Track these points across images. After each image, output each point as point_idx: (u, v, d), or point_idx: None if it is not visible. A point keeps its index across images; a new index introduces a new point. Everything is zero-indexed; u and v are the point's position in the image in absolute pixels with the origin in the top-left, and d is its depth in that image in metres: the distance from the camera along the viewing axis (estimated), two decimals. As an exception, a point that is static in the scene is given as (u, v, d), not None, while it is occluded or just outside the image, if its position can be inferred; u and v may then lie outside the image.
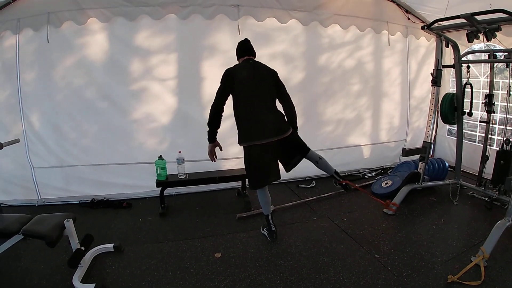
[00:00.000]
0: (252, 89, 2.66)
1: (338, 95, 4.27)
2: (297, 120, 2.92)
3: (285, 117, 2.86)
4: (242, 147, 2.73)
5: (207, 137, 2.79)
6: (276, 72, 2.84)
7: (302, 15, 3.76)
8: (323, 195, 3.78)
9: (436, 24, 3.10)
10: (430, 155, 4.90)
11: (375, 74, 4.38)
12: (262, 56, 3.67)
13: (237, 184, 3.84)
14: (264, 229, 2.94)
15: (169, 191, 3.73)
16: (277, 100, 2.85)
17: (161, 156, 3.37)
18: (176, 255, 2.68)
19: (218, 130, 2.78)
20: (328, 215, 3.33)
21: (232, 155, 3.80)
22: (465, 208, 3.46)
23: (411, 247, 2.71)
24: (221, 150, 2.89)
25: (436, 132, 4.89)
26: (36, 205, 3.59)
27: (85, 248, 2.45)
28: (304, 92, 4.03)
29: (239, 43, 2.85)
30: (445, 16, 2.95)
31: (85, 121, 3.59)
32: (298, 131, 2.93)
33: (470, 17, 2.68)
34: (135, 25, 3.41)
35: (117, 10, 3.31)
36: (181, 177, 3.46)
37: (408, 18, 4.14)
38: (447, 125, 4.52)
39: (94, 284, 2.23)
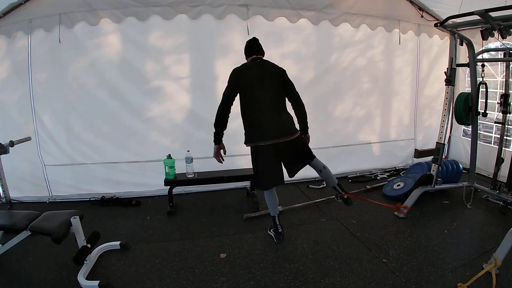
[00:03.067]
0: (259, 88, 2.62)
1: (349, 94, 4.22)
2: (307, 120, 2.87)
3: (294, 118, 2.81)
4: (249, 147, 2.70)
5: (213, 138, 2.74)
6: (284, 71, 2.78)
7: (312, 14, 3.72)
8: (333, 196, 3.68)
9: (449, 22, 3.00)
10: (444, 157, 4.81)
11: (386, 73, 4.31)
12: (273, 56, 3.66)
13: (246, 183, 3.81)
14: (271, 230, 2.90)
15: (178, 189, 3.75)
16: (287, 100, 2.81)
17: (169, 155, 3.38)
18: (181, 255, 2.67)
19: (224, 132, 2.73)
20: (337, 217, 3.27)
21: (245, 152, 3.77)
22: (478, 212, 3.33)
23: (421, 252, 2.62)
24: (224, 153, 2.84)
25: (450, 132, 4.75)
26: (47, 202, 3.66)
27: (91, 246, 2.47)
28: (314, 91, 4.00)
29: (247, 42, 2.83)
30: (459, 13, 2.85)
31: (96, 121, 3.65)
32: (308, 130, 2.91)
33: (484, 13, 2.57)
34: (147, 25, 3.45)
35: (128, 10, 3.35)
36: (189, 176, 3.47)
37: (422, 16, 4.04)
38: (462, 125, 4.36)
39: (98, 281, 2.24)
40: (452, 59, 3.16)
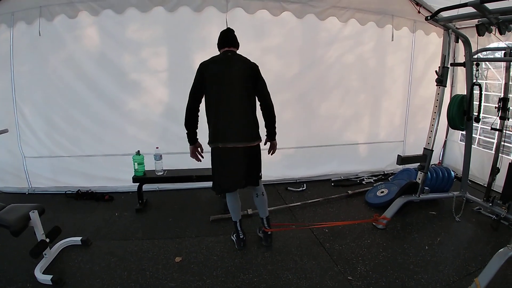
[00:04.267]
0: (225, 85, 2.43)
1: (335, 91, 4.03)
2: (275, 125, 2.63)
3: (260, 122, 2.59)
4: None
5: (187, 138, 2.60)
6: (257, 67, 2.55)
7: (296, 7, 3.52)
8: (309, 201, 3.53)
9: (443, 15, 2.69)
10: (437, 162, 4.48)
11: (376, 71, 4.06)
12: (254, 50, 3.52)
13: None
14: (234, 235, 2.77)
15: (152, 186, 3.74)
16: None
17: (138, 151, 3.34)
18: (138, 255, 2.62)
19: (197, 131, 2.59)
20: (309, 224, 3.08)
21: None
22: (467, 226, 3.05)
23: (394, 270, 2.40)
24: (202, 151, 2.69)
25: (446, 137, 4.45)
26: (27, 193, 3.73)
27: (50, 240, 2.47)
28: (298, 87, 3.86)
29: (220, 32, 2.61)
30: (450, 5, 2.54)
31: (75, 113, 3.64)
32: (276, 137, 2.70)
33: (479, 4, 2.26)
34: (123, 18, 3.38)
35: (104, 3, 3.31)
36: (158, 173, 3.41)
37: (419, 12, 3.70)
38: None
39: (51, 276, 2.25)
40: (445, 57, 2.86)
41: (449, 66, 2.91)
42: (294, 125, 3.93)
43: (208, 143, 2.52)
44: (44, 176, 3.74)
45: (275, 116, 2.60)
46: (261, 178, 2.66)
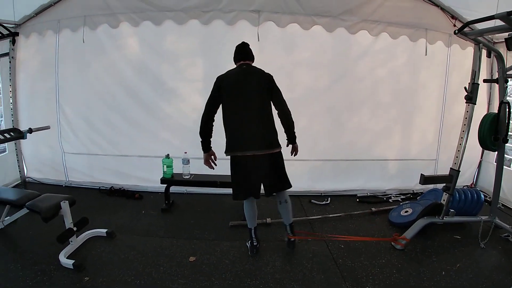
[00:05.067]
0: (241, 96, 2.55)
1: (365, 105, 3.92)
2: (294, 129, 2.71)
3: (279, 129, 2.66)
4: None
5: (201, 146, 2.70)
6: (271, 77, 2.64)
7: (327, 21, 3.54)
8: (330, 215, 3.46)
9: (477, 27, 2.58)
10: (470, 184, 4.20)
11: (409, 86, 3.90)
12: (285, 63, 3.67)
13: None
14: (248, 242, 2.80)
15: (181, 188, 3.89)
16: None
17: (168, 154, 3.51)
18: (156, 251, 2.74)
19: (211, 140, 2.70)
20: (326, 238, 3.02)
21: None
22: (492, 253, 2.82)
23: (404, 294, 2.28)
24: (215, 159, 2.77)
25: (482, 157, 4.16)
26: (64, 185, 4.06)
27: (77, 229, 2.68)
28: (327, 99, 3.84)
29: (236, 46, 2.75)
30: (478, 18, 2.43)
31: (113, 116, 3.92)
32: (296, 140, 2.76)
33: (506, 17, 2.16)
34: (161, 29, 3.61)
35: (144, 15, 3.57)
36: (185, 177, 3.55)
37: (454, 25, 3.54)
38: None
39: (74, 261, 2.44)
40: (475, 73, 2.72)
41: (479, 82, 2.76)
42: (322, 138, 3.92)
43: (225, 152, 2.61)
44: (80, 171, 4.06)
45: (293, 122, 2.69)
46: (290, 186, 2.69)
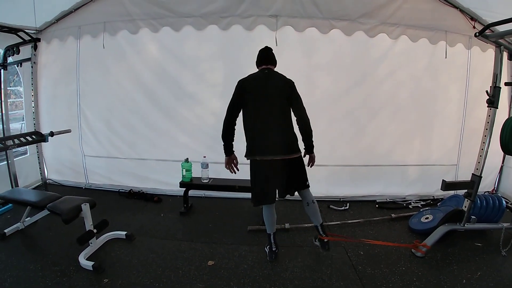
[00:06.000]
0: (262, 100, 2.55)
1: (384, 109, 3.85)
2: (312, 138, 2.68)
3: (299, 135, 2.65)
4: None
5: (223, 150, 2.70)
6: (293, 83, 2.64)
7: (345, 24, 3.52)
8: (349, 221, 3.41)
9: (498, 29, 2.52)
10: (491, 190, 4.08)
11: (429, 89, 3.82)
12: (303, 67, 3.66)
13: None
14: (267, 247, 2.78)
15: (199, 192, 3.91)
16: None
17: (187, 159, 3.53)
18: (174, 254, 2.76)
19: (233, 143, 2.69)
20: (345, 244, 2.97)
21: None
22: (513, 261, 2.73)
23: (423, 301, 2.23)
24: (237, 163, 2.75)
25: (503, 162, 4.03)
26: (83, 187, 4.15)
27: (97, 231, 2.73)
28: (346, 104, 3.80)
29: (259, 51, 2.76)
30: (499, 20, 2.37)
31: (132, 120, 3.98)
32: (314, 150, 2.71)
33: None
34: (181, 35, 3.66)
35: (163, 21, 3.63)
36: (204, 181, 3.57)
37: (474, 27, 3.47)
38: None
39: (93, 263, 2.47)
40: (496, 76, 2.65)
41: (500, 86, 2.69)
42: (341, 142, 3.88)
43: (245, 156, 2.61)
44: (100, 174, 4.13)
45: (311, 131, 2.66)
46: (308, 186, 2.68)
